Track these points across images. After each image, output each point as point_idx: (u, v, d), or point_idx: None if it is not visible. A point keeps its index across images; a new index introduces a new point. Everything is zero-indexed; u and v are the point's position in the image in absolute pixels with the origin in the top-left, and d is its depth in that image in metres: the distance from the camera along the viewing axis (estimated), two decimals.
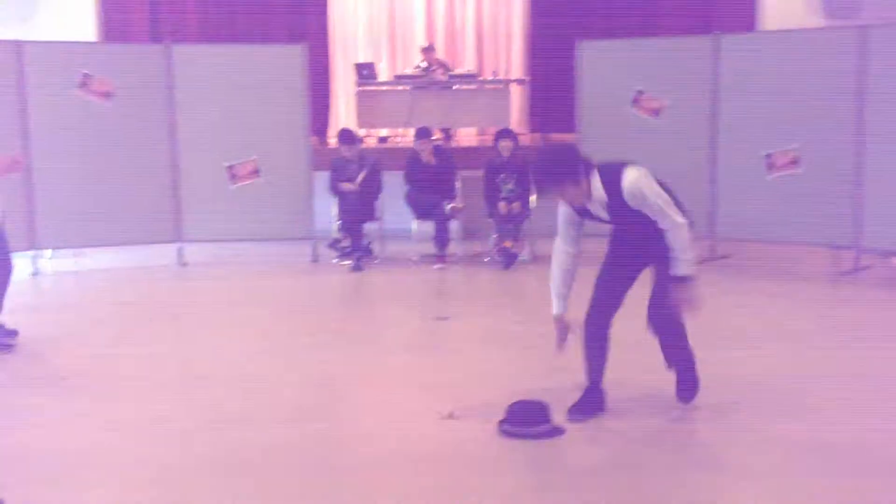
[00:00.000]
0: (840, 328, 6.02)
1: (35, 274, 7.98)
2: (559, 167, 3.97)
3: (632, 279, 4.31)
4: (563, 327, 4.24)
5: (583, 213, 4.14)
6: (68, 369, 5.30)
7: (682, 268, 4.01)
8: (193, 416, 4.50)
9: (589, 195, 4.01)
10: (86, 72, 8.06)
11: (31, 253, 8.01)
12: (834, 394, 4.63)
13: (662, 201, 3.98)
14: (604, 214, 4.10)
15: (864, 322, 6.17)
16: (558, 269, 4.23)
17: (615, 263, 4.33)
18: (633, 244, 4.24)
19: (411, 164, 8.50)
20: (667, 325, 4.28)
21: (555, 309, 4.24)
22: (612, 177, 3.98)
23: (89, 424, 4.42)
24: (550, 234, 8.63)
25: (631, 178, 3.95)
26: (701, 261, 8.06)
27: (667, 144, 8.20)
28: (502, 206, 8.18)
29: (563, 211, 4.20)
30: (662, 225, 4.00)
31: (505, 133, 8.51)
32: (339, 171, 8.40)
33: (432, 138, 8.62)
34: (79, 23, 10.05)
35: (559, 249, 4.25)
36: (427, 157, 8.43)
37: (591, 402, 4.37)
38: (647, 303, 4.29)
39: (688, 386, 4.42)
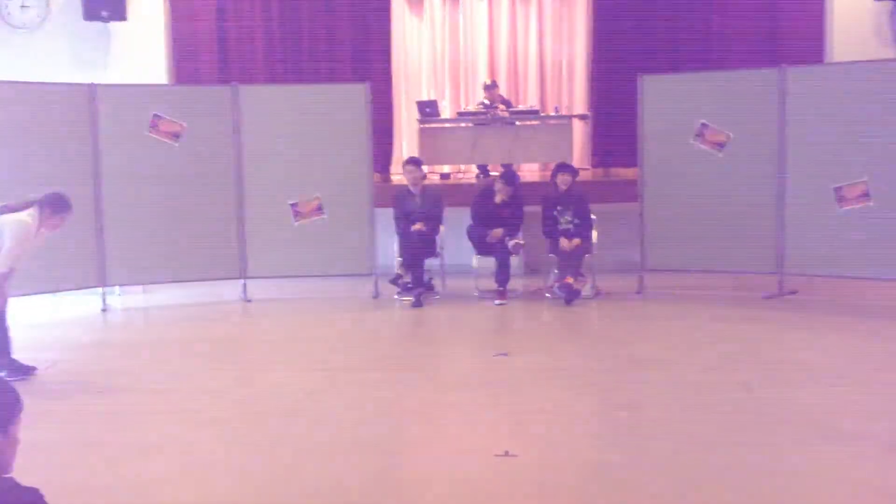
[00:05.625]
0: None
1: (104, 310, 8.16)
2: None
3: None
4: None
5: None
6: (127, 404, 5.37)
7: None
8: (245, 451, 4.52)
9: None
10: (156, 112, 8.28)
11: (100, 290, 8.20)
12: None
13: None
14: None
15: None
16: None
17: None
18: None
19: (481, 202, 8.49)
20: None
21: None
22: None
23: (145, 459, 4.47)
24: (613, 270, 8.66)
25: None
26: (769, 296, 7.93)
27: (732, 178, 8.07)
28: (563, 242, 8.12)
29: None
30: None
31: (563, 167, 8.51)
32: (400, 204, 8.46)
33: (516, 184, 8.55)
34: (151, 66, 10.34)
35: None
36: (501, 198, 8.40)
37: None
38: None
39: None
